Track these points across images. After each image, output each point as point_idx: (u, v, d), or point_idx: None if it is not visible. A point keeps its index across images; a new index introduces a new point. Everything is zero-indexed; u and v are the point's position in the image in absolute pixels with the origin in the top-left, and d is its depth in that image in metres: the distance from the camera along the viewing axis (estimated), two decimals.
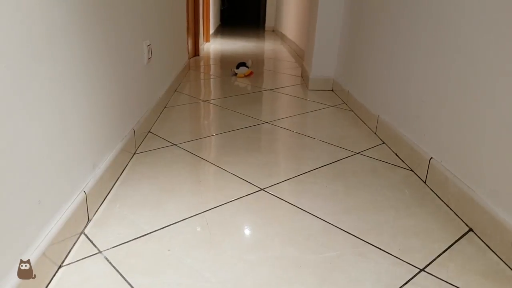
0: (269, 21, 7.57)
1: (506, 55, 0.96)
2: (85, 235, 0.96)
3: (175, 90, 2.47)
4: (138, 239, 0.96)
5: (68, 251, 0.89)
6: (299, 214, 1.10)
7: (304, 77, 2.90)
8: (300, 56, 4.06)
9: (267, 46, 5.18)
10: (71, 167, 0.94)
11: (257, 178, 1.31)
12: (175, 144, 1.58)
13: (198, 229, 1.01)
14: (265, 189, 1.23)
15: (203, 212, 1.09)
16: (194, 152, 1.50)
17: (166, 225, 1.02)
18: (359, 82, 2.10)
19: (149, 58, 1.72)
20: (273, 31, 7.38)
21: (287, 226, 1.04)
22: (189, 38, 3.37)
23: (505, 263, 0.91)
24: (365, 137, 1.74)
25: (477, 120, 1.07)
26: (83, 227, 0.98)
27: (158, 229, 1.00)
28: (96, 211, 1.07)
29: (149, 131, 1.72)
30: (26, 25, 0.73)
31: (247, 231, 1.01)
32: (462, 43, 1.15)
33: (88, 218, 1.02)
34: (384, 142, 1.67)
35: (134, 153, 1.47)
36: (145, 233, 0.98)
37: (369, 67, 1.95)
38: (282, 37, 5.98)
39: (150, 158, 1.44)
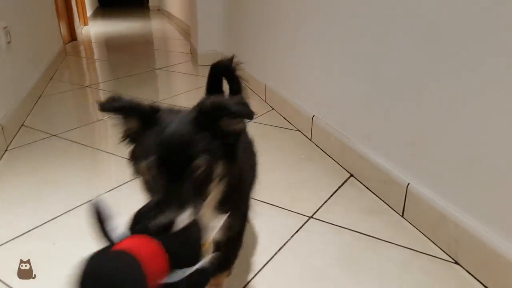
0: (153, 0, 7.21)
1: None
2: None
3: (51, 78, 2.23)
4: (16, 239, 0.86)
5: None
6: None
7: (193, 53, 2.85)
8: (188, 33, 3.97)
9: (154, 25, 4.97)
10: None
11: None
12: (55, 135, 1.43)
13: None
14: None
15: (92, 200, 1.02)
16: (77, 141, 1.39)
17: (49, 220, 0.93)
18: (247, 53, 2.13)
19: (8, 42, 1.51)
20: (158, 10, 7.06)
21: None
22: (60, 22, 3.05)
23: (380, 198, 1.03)
24: (256, 104, 1.79)
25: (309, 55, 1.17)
26: None
27: (40, 225, 0.91)
28: None
29: (22, 125, 1.53)
30: None
31: None
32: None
33: None
34: (273, 108, 1.73)
35: (6, 150, 1.31)
36: (24, 232, 0.89)
37: (256, 39, 1.98)
38: (168, 16, 5.77)
39: (26, 152, 1.29)
